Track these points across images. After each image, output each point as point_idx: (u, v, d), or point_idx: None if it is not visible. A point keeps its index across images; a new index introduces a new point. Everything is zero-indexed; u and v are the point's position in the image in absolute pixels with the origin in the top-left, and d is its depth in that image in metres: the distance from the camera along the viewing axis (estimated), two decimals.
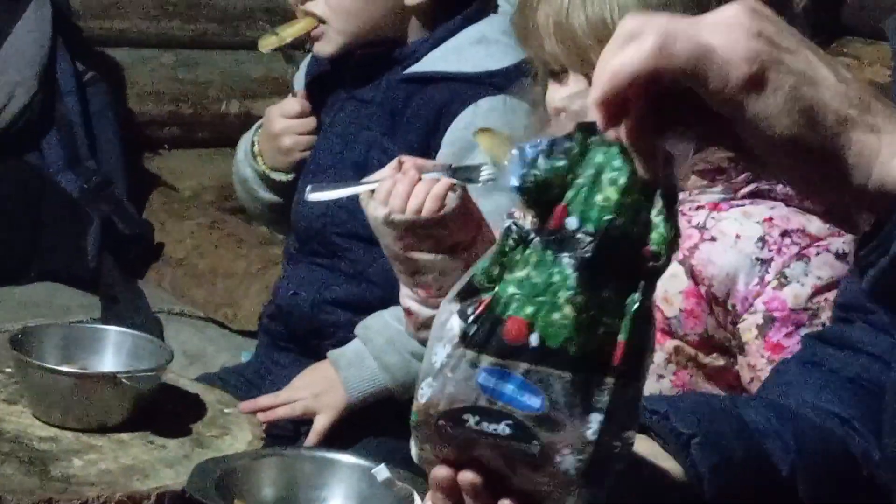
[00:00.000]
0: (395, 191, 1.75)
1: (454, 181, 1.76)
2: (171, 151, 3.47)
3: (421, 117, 2.25)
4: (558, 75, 1.76)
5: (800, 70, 0.95)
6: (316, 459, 1.84)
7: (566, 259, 1.00)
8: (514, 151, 1.04)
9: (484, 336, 1.02)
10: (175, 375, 2.09)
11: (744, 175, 1.74)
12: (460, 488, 1.08)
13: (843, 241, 1.70)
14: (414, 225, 1.76)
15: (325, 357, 2.21)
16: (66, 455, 1.85)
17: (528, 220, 1.04)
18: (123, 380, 1.92)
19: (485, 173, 1.84)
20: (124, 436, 1.92)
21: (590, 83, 1.64)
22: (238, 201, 2.62)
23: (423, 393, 1.05)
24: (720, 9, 0.98)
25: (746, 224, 1.72)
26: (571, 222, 1.00)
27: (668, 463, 1.19)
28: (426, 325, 1.85)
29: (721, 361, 1.76)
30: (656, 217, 1.01)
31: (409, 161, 1.76)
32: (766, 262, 1.70)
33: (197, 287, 2.96)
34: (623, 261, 1.00)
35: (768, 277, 1.70)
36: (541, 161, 1.02)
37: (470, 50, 2.26)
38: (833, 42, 2.77)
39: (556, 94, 1.77)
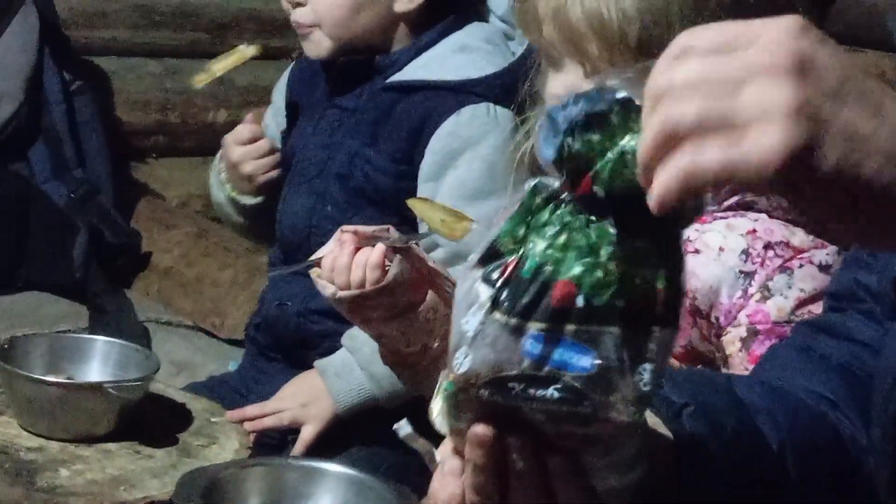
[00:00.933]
0: (337, 266, 1.75)
1: (391, 244, 1.74)
2: (159, 160, 3.48)
3: (404, 126, 2.24)
4: (556, 63, 1.76)
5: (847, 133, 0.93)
6: (303, 469, 1.84)
7: (602, 220, 1.01)
8: (544, 118, 1.04)
9: (528, 303, 1.02)
10: (162, 385, 2.09)
11: (727, 186, 1.73)
12: (501, 447, 1.08)
13: (825, 253, 1.71)
14: (360, 298, 1.75)
15: (311, 367, 2.21)
16: (53, 465, 1.85)
17: (554, 182, 1.04)
18: (110, 389, 1.92)
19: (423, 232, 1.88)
20: (111, 446, 1.91)
21: (584, 72, 1.70)
22: None
23: (460, 363, 1.05)
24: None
25: (730, 236, 1.73)
26: (599, 191, 1.00)
27: (660, 429, 1.19)
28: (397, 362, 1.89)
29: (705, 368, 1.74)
30: None
31: (348, 232, 1.75)
32: (749, 275, 1.70)
33: (184, 296, 2.96)
34: (651, 216, 0.98)
35: (752, 290, 1.70)
36: (576, 133, 1.01)
37: (452, 58, 2.26)
38: None
39: (555, 83, 1.76)
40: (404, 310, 1.78)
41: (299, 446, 2.15)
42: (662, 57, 0.95)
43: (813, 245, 1.71)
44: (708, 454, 1.22)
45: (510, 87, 2.06)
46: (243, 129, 2.32)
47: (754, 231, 1.72)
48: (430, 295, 1.80)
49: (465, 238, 1.84)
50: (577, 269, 1.01)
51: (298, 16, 2.28)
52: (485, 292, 1.05)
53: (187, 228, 3.17)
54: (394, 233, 1.76)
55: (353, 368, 2.15)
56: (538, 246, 1.03)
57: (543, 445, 1.07)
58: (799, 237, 1.72)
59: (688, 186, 0.93)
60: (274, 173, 2.35)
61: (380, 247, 1.73)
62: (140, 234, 3.10)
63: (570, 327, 1.01)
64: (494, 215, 1.95)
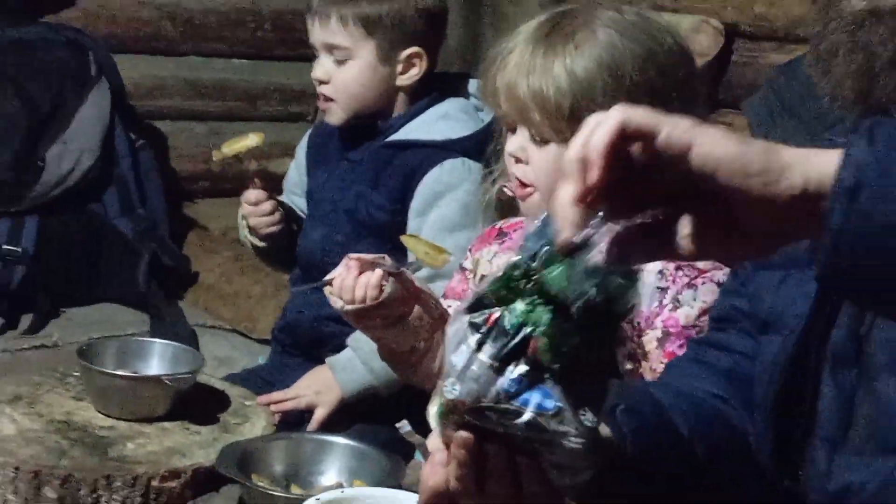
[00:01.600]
0: (344, 286, 1.75)
1: (386, 269, 1.75)
2: (203, 200, 3.49)
3: (399, 175, 2.25)
4: (511, 128, 1.76)
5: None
6: (316, 441, 1.87)
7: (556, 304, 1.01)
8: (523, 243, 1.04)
9: (509, 352, 1.02)
10: (206, 376, 2.10)
11: None
12: (480, 448, 1.08)
13: (722, 273, 1.70)
14: (362, 311, 1.76)
15: (324, 362, 2.21)
16: (121, 440, 1.87)
17: (532, 262, 1.03)
18: (166, 381, 1.96)
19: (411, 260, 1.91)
20: (167, 424, 1.93)
21: (532, 137, 1.70)
22: None
23: (449, 390, 1.05)
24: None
25: (648, 263, 1.73)
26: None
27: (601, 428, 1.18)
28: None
29: (630, 366, 1.75)
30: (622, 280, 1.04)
31: (354, 259, 1.75)
32: (664, 290, 1.73)
33: (224, 306, 2.97)
34: (594, 313, 1.01)
35: (665, 302, 1.72)
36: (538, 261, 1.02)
37: (436, 124, 2.27)
38: (713, 112, 2.78)
39: (510, 143, 1.75)
40: (397, 319, 1.79)
41: (313, 424, 2.15)
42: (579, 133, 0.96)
43: (713, 267, 1.72)
44: (640, 446, 1.23)
45: (480, 146, 2.06)
46: (251, 194, 2.29)
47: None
48: (417, 308, 1.80)
49: (444, 266, 1.87)
50: (544, 334, 1.01)
51: (323, 90, 2.28)
52: (472, 336, 1.04)
53: (226, 253, 3.18)
54: (388, 260, 1.77)
55: (356, 364, 2.16)
56: (518, 307, 1.02)
57: (513, 449, 1.07)
58: (701, 262, 1.70)
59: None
60: (274, 228, 2.33)
61: (378, 271, 1.74)
62: (189, 258, 3.11)
63: (539, 375, 1.01)
64: (467, 244, 1.99)
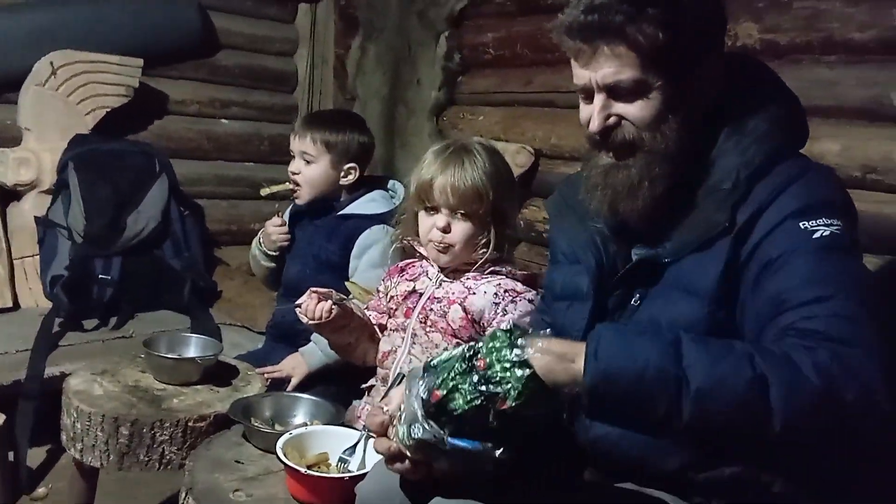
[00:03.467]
0: (307, 309, 1.73)
1: (335, 300, 1.72)
2: (225, 247, 3.43)
3: (344, 234, 2.22)
4: (430, 211, 1.72)
5: None
6: (291, 397, 1.82)
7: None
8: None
9: (445, 418, 1.00)
10: (224, 356, 2.06)
11: (488, 264, 1.75)
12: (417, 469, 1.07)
13: (533, 294, 1.70)
14: (319, 326, 1.74)
15: (297, 349, 2.17)
16: (170, 397, 1.84)
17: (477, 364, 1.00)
18: (198, 360, 1.93)
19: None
20: (199, 387, 1.90)
21: (454, 215, 1.67)
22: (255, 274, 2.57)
23: (405, 432, 1.02)
24: None
25: (489, 287, 1.72)
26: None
27: None
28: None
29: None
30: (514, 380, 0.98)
31: (314, 292, 1.74)
32: (497, 304, 1.70)
33: (237, 311, 2.90)
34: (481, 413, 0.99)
35: (498, 311, 1.70)
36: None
37: (367, 204, 2.26)
38: (526, 200, 2.76)
39: (428, 221, 1.73)
40: (340, 328, 1.79)
41: (290, 387, 2.10)
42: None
43: (525, 290, 1.71)
44: None
45: (392, 217, 2.08)
46: (276, 219, 2.32)
47: (500, 284, 1.72)
48: (355, 321, 1.81)
49: (369, 300, 1.89)
50: (469, 408, 0.98)
51: (295, 178, 2.26)
52: (419, 406, 1.00)
53: (239, 279, 3.12)
54: (335, 294, 1.75)
55: (316, 351, 2.12)
56: (460, 399, 0.99)
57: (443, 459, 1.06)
58: (520, 286, 1.71)
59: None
60: (286, 241, 2.32)
61: (329, 301, 1.72)
62: (216, 282, 3.05)
63: (468, 430, 1.00)
64: (384, 274, 1.97)
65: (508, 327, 1.03)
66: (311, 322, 1.74)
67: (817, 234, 1.08)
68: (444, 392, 1.00)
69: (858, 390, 0.96)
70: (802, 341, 1.00)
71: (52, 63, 2.84)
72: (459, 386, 0.99)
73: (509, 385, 0.98)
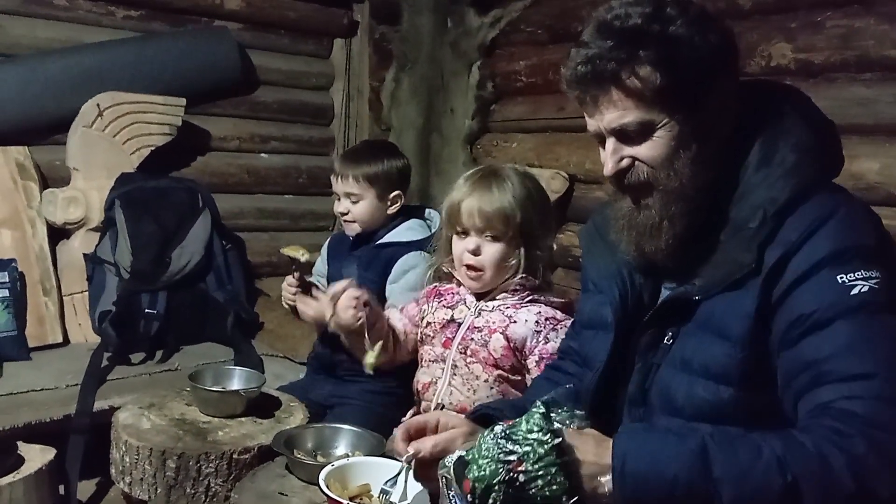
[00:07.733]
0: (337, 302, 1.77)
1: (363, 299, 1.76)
2: (266, 279, 3.44)
3: (381, 263, 2.23)
4: (461, 235, 1.75)
5: None
6: (332, 428, 1.79)
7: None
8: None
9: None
10: (267, 388, 2.06)
11: (527, 292, 1.75)
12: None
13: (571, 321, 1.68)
14: (340, 327, 1.79)
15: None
16: (215, 429, 1.83)
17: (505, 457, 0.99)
18: (242, 393, 1.92)
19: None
20: (243, 419, 1.89)
21: (485, 238, 1.69)
22: None
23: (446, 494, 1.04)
24: None
25: (529, 315, 1.72)
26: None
27: None
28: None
29: (519, 377, 1.74)
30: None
31: (354, 297, 1.78)
32: (539, 332, 1.70)
33: (279, 342, 2.91)
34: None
35: (540, 339, 1.70)
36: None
37: (405, 232, 2.26)
38: (563, 225, 2.75)
39: (460, 245, 1.75)
40: (371, 327, 1.81)
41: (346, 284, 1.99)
42: None
43: (566, 318, 1.71)
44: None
45: (428, 244, 2.10)
46: (290, 279, 2.26)
47: (539, 311, 1.72)
48: (380, 321, 1.84)
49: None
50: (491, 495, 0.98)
51: (346, 217, 2.28)
52: (458, 497, 1.01)
53: (280, 311, 3.03)
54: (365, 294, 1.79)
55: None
56: (482, 485, 0.98)
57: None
58: (560, 314, 1.71)
59: None
60: (292, 301, 2.26)
61: (363, 312, 1.78)
62: (258, 314, 3.06)
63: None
64: (419, 296, 1.97)
65: (546, 439, 1.00)
66: (336, 318, 1.75)
67: (855, 291, 1.02)
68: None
69: (895, 485, 0.92)
70: (842, 425, 0.96)
71: (98, 105, 2.90)
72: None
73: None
